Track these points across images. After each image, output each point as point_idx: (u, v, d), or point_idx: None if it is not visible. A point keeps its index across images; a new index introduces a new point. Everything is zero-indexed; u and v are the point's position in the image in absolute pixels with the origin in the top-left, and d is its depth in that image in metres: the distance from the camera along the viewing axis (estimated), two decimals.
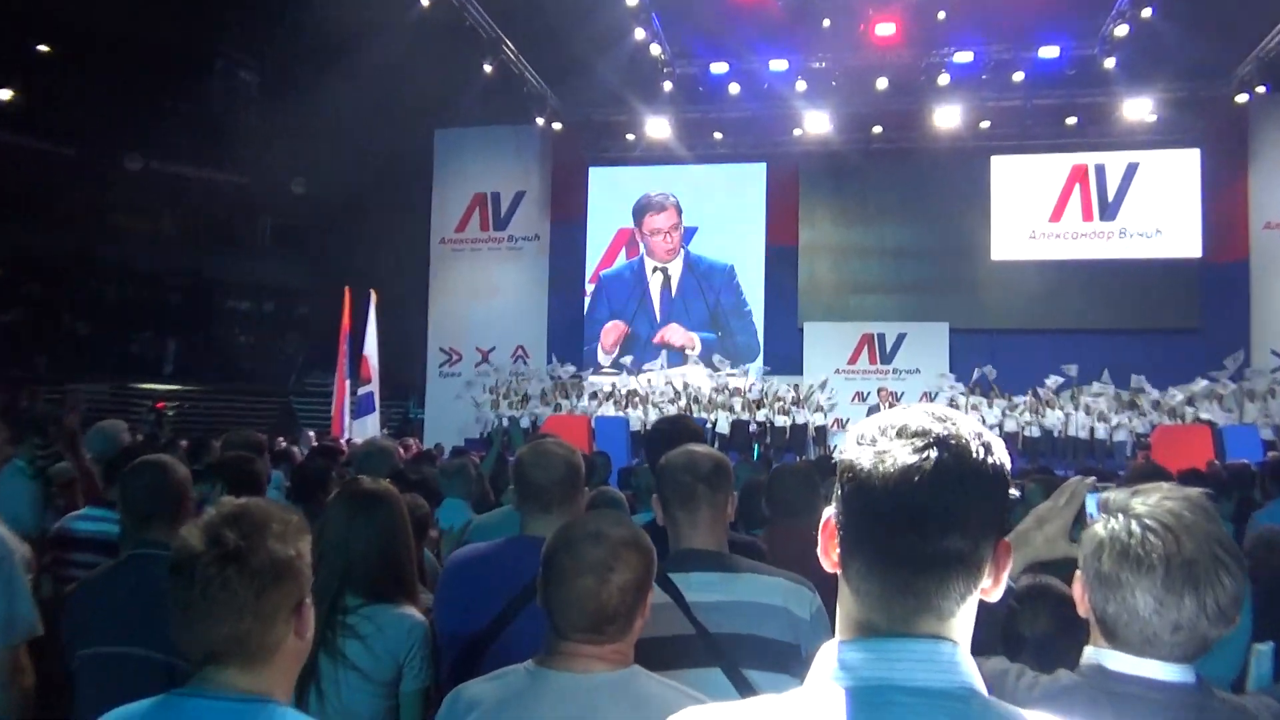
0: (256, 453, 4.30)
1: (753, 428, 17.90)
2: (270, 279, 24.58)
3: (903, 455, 0.98)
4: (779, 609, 2.10)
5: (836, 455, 1.07)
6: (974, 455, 0.98)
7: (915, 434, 0.99)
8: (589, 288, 21.73)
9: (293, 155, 19.55)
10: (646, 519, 2.65)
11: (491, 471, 5.80)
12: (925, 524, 0.96)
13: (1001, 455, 1.01)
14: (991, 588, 1.00)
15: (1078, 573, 1.46)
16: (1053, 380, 17.33)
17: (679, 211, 21.44)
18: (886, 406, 14.95)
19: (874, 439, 1.01)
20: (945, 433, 0.99)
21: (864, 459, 1.00)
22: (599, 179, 21.83)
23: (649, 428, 2.98)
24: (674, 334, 20.47)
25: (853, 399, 19.40)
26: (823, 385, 18.55)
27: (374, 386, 15.90)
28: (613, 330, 21.27)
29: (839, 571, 1.03)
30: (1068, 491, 1.74)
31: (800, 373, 19.44)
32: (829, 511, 1.04)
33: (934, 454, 0.98)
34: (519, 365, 20.47)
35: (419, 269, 21.16)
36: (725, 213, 21.16)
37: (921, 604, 0.97)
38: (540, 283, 21.44)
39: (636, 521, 1.90)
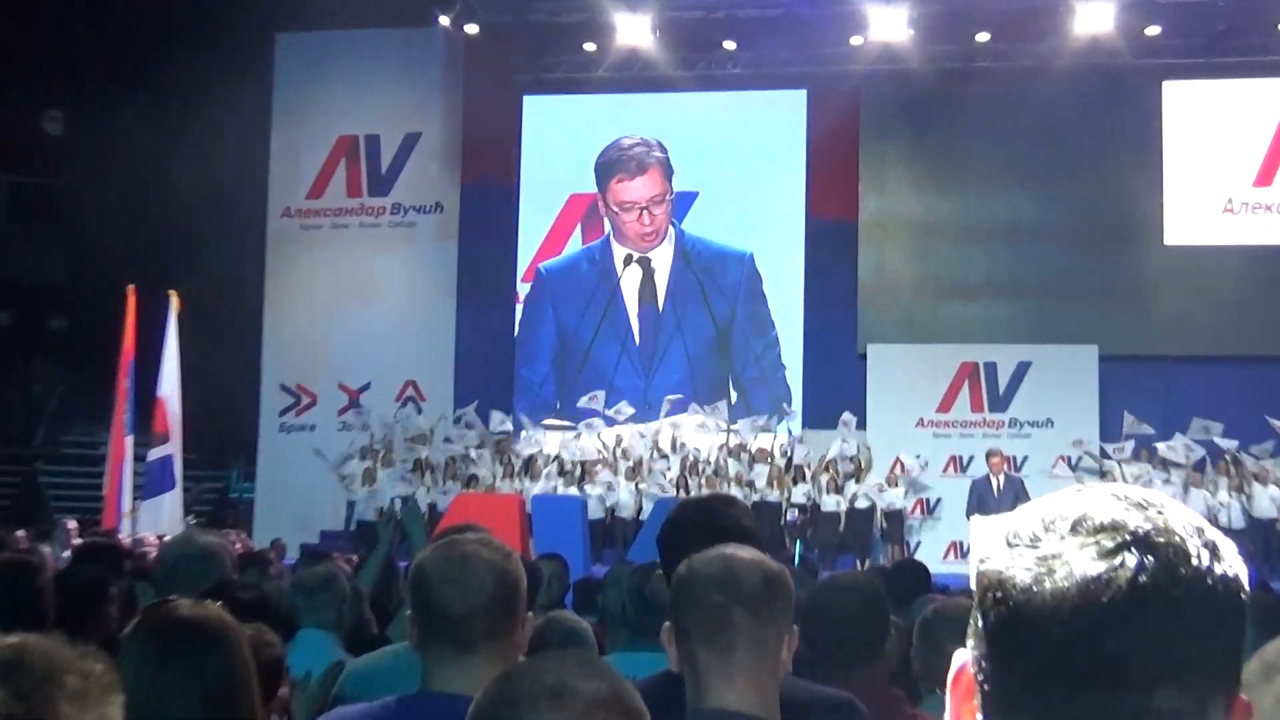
0: None
1: (789, 516, 18.15)
2: (4, 272, 24.59)
3: (1083, 564, 1.03)
4: None
5: (977, 566, 1.10)
6: (1194, 563, 1.03)
7: (1101, 529, 1.04)
8: (522, 289, 21.83)
9: (41, 75, 19.68)
10: (635, 662, 2.81)
11: (374, 587, 5.94)
12: (1122, 672, 1.00)
13: (1234, 562, 1.05)
14: None
15: None
16: (1260, 450, 17.74)
17: (667, 170, 21.59)
18: (1000, 480, 15.34)
19: (1034, 538, 1.06)
20: (1148, 527, 1.04)
21: (1020, 571, 1.05)
22: (540, 116, 22.04)
23: (669, 516, 3.01)
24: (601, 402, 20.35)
25: (946, 468, 19.59)
26: (900, 450, 18.90)
27: (173, 447, 15.82)
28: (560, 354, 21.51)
29: None
30: None
31: (861, 426, 19.62)
32: (963, 656, 1.10)
33: (1132, 561, 1.02)
34: (410, 413, 20.64)
35: (247, 258, 21.50)
36: (742, 170, 21.32)
37: None
38: (444, 280, 21.64)
39: (618, 667, 1.90)
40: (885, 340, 20.57)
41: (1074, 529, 1.05)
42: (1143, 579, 1.01)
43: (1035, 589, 1.03)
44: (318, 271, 21.75)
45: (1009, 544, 1.07)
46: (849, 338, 20.82)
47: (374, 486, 19.12)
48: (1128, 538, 1.03)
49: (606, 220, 21.72)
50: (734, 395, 20.54)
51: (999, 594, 1.06)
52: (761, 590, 2.37)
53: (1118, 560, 1.02)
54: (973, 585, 1.09)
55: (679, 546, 2.75)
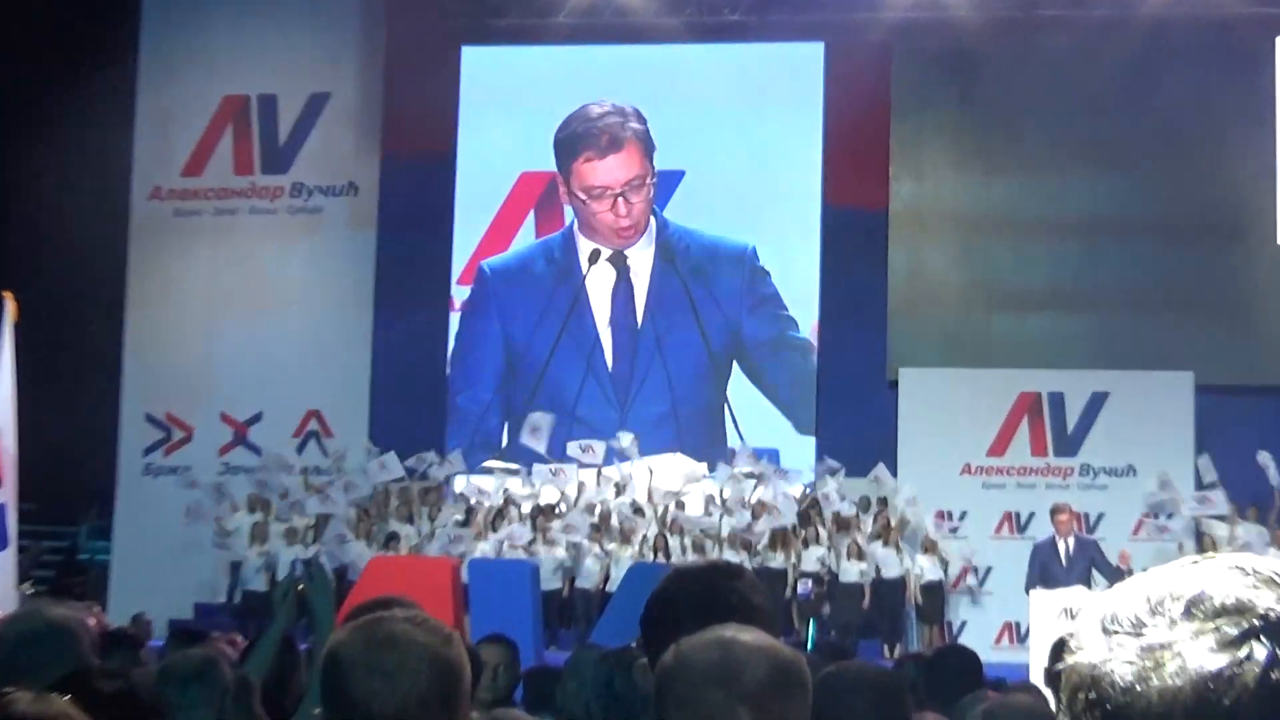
0: None
1: (800, 588, 18.26)
2: None
3: (1200, 656, 1.05)
4: None
5: (1066, 658, 1.13)
6: None
7: (1221, 613, 1.07)
8: (459, 294, 21.93)
9: None
10: None
11: (266, 677, 5.86)
12: None
13: None
14: None
15: None
16: None
17: (648, 146, 21.66)
18: (1069, 544, 15.35)
19: (1138, 623, 1.09)
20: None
21: (1120, 665, 1.08)
22: (483, 72, 22.25)
23: (659, 591, 2.99)
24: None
25: (999, 527, 19.62)
26: (941, 504, 19.00)
27: (6, 495, 15.38)
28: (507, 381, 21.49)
29: None
30: None
31: (892, 471, 19.75)
32: None
33: (1261, 653, 1.04)
34: (313, 452, 20.84)
35: (104, 253, 21.44)
36: (741, 146, 21.42)
37: None
38: (358, 282, 21.80)
39: None
40: (922, 363, 20.64)
41: (1188, 612, 1.08)
42: (1275, 675, 1.03)
43: (1140, 688, 1.06)
44: (196, 270, 21.74)
45: (1105, 630, 1.10)
46: (875, 360, 20.92)
47: (266, 546, 19.03)
48: (1256, 623, 1.06)
49: (569, 207, 21.78)
50: (738, 432, 20.72)
51: (1093, 694, 1.09)
52: (770, 684, 2.38)
53: (1243, 652, 1.05)
54: (1034, 677, 1.03)
55: (669, 628, 2.78)
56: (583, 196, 21.64)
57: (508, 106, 22.01)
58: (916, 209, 21.27)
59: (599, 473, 19.99)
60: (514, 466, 20.30)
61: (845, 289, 21.23)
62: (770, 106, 21.58)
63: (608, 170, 21.65)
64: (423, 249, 21.79)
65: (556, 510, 19.26)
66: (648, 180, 21.63)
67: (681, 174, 21.69)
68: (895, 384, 20.63)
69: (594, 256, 21.58)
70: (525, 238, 21.99)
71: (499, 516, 19.21)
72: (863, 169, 21.26)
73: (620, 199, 21.54)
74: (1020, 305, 20.89)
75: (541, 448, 20.03)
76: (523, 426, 20.42)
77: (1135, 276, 20.49)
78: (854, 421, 20.60)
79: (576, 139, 21.68)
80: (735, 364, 21.48)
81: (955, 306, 21.10)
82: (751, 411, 21.23)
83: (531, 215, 21.96)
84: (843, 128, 21.38)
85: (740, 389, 21.40)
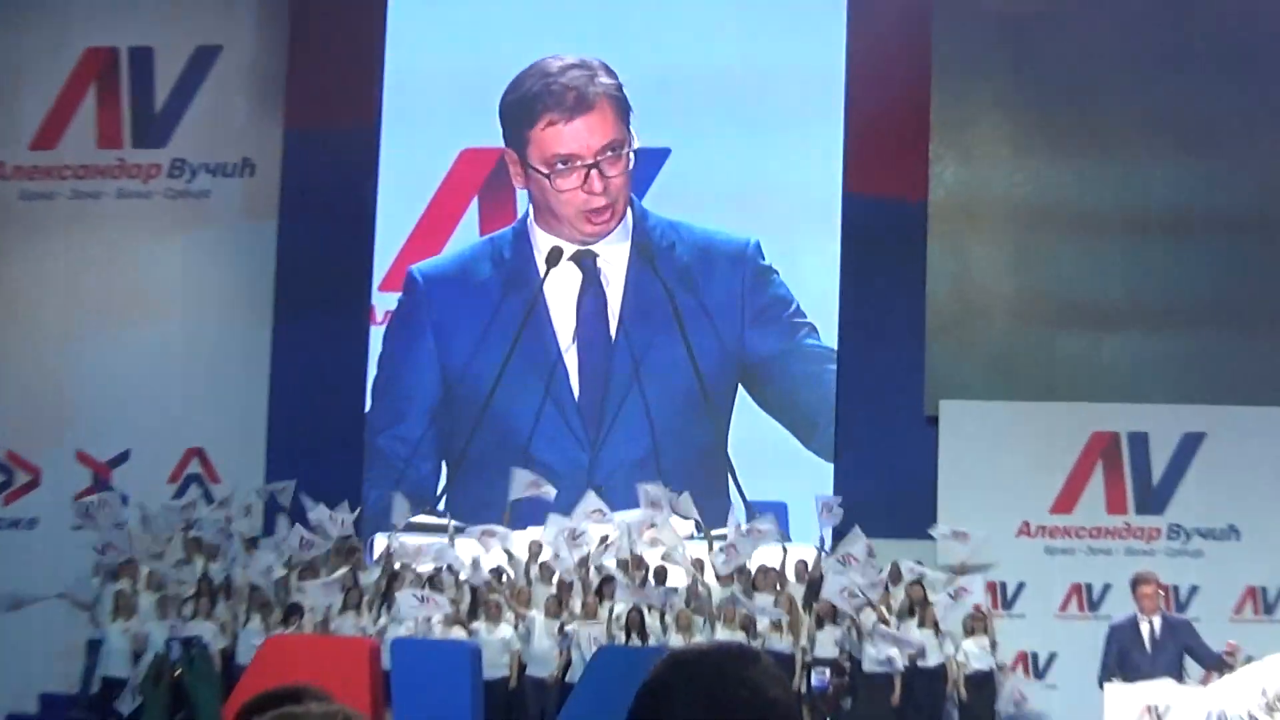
0: None
1: (814, 679, 18.14)
2: None
3: None
4: None
5: None
6: None
7: None
8: (383, 303, 21.87)
9: None
10: None
11: None
12: None
13: None
14: None
15: None
16: None
17: (623, 107, 21.69)
18: (1155, 624, 15.12)
19: None
20: None
21: None
22: (415, 21, 22.23)
23: (652, 678, 2.95)
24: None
25: (1065, 603, 19.65)
26: (992, 572, 19.00)
27: None
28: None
29: None
30: None
31: (928, 518, 19.65)
32: None
33: None
34: (196, 500, 20.76)
35: None
36: (742, 116, 21.45)
37: None
38: (254, 286, 21.80)
39: None
40: (968, 394, 20.70)
41: None
42: None
43: None
44: (47, 269, 21.75)
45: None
46: (909, 390, 20.90)
47: (132, 622, 18.74)
48: None
49: (523, 192, 21.72)
50: (734, 479, 20.81)
51: None
52: None
53: None
54: None
55: None
56: (544, 170, 21.52)
57: (445, 65, 21.95)
58: (963, 199, 21.21)
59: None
60: (450, 522, 20.08)
61: (872, 299, 21.16)
62: (778, 69, 21.52)
63: (575, 135, 21.57)
64: (337, 245, 21.73)
65: (505, 579, 19.05)
66: (626, 149, 21.55)
67: (666, 152, 21.71)
68: (934, 420, 20.58)
69: (554, 256, 21.47)
70: (467, 233, 21.92)
71: (430, 585, 18.72)
72: (895, 149, 21.26)
73: (594, 171, 21.40)
74: (1092, 321, 20.74)
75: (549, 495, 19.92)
76: (512, 481, 20.13)
77: (1237, 286, 20.40)
78: (881, 468, 20.51)
79: (533, 100, 21.63)
80: (739, 389, 21.33)
81: (1011, 322, 20.98)
82: (753, 452, 21.13)
83: (475, 204, 21.93)
84: (869, 98, 21.31)
85: (741, 423, 21.28)
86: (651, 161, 21.62)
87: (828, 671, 18.12)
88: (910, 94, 21.13)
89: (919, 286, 20.97)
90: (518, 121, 21.62)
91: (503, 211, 21.85)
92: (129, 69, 21.82)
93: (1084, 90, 20.96)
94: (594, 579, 19.20)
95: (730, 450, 21.20)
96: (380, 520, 20.45)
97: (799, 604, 18.71)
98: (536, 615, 18.54)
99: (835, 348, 21.30)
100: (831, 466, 21.01)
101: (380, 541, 20.20)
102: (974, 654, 18.26)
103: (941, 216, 21.13)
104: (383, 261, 21.91)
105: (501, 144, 21.77)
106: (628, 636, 17.66)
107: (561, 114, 21.54)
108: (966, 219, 21.21)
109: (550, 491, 19.84)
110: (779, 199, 21.44)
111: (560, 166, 21.55)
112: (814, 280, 21.41)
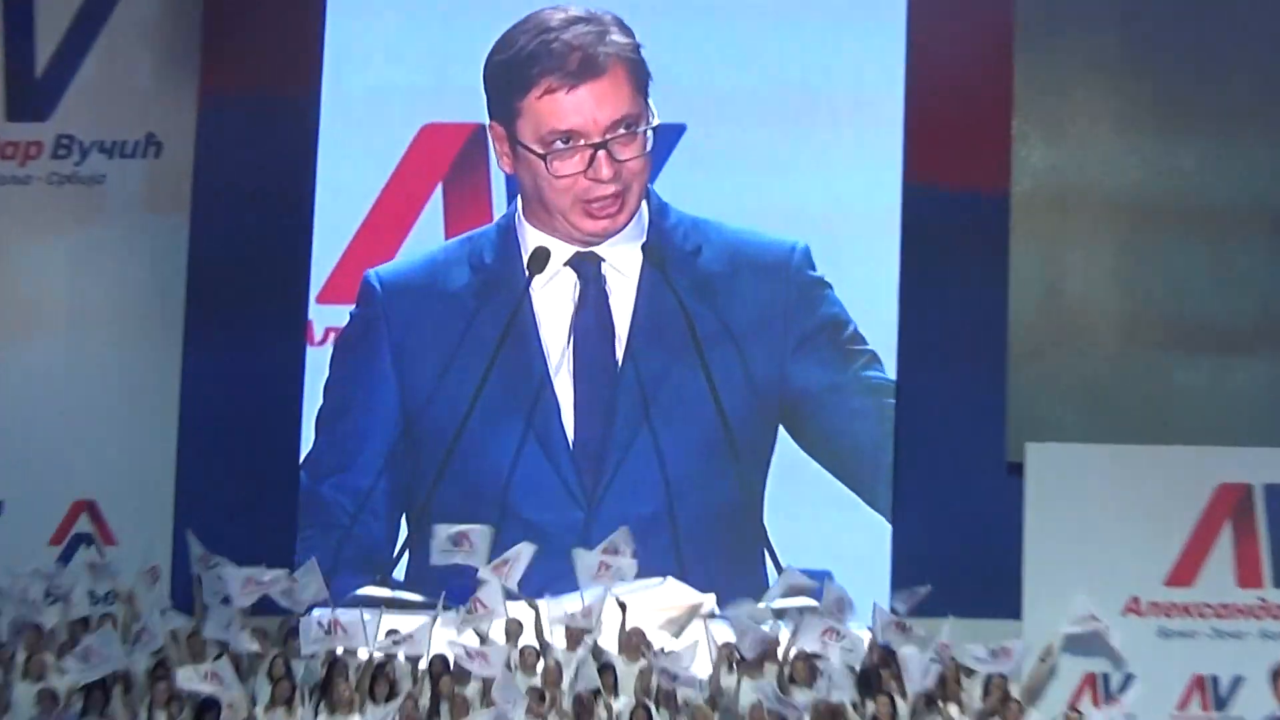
0: None
1: None
2: None
3: None
4: None
5: None
6: None
7: None
8: (324, 318, 20.27)
9: None
10: None
11: None
12: None
13: None
14: None
15: None
16: None
17: (640, 73, 20.37)
18: None
19: None
20: None
21: None
22: None
23: None
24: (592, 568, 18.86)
25: (1186, 700, 18.04)
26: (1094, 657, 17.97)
27: None
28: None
29: None
30: None
31: (1013, 607, 18.39)
32: None
33: None
34: (85, 565, 19.45)
35: None
36: (777, 88, 20.31)
37: None
38: (161, 295, 20.53)
39: None
40: (1061, 435, 19.07)
41: None
42: None
43: None
44: None
45: None
46: (988, 429, 19.37)
47: None
48: None
49: (511, 175, 20.19)
50: (768, 546, 19.26)
51: None
52: None
53: None
54: None
55: None
56: (538, 150, 19.86)
57: (403, 19, 20.61)
58: (1054, 191, 19.62)
59: (538, 611, 18.33)
60: (412, 596, 18.76)
61: (938, 315, 19.60)
62: (824, 30, 20.10)
63: (579, 107, 19.91)
64: (264, 245, 20.18)
65: (481, 667, 17.29)
66: (644, 126, 19.97)
67: (682, 129, 20.12)
68: (1019, 467, 18.90)
69: (539, 258, 19.77)
70: (428, 231, 20.24)
71: (384, 678, 17.30)
72: (968, 130, 19.72)
73: (602, 153, 19.77)
74: (1218, 344, 19.24)
75: (512, 583, 18.39)
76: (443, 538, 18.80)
77: None
78: (951, 528, 19.16)
79: (529, 61, 20.01)
80: (778, 431, 19.81)
81: (1113, 345, 19.40)
82: (792, 506, 19.48)
83: (439, 193, 20.23)
84: (937, 65, 19.87)
85: (778, 471, 19.63)
86: (671, 136, 20.26)
87: None
88: (987, 62, 19.85)
89: (1000, 301, 19.51)
90: (507, 88, 20.16)
91: (475, 203, 20.30)
92: (1, 22, 20.68)
93: (1208, 50, 19.77)
94: (591, 671, 17.31)
95: (766, 506, 19.68)
96: (316, 591, 18.57)
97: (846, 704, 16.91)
98: (518, 715, 16.88)
99: (894, 379, 19.77)
100: (889, 526, 19.54)
101: (319, 621, 18.08)
102: None
103: (1026, 212, 19.61)
104: (322, 266, 20.27)
105: (472, 118, 20.30)
106: None
107: (563, 80, 19.99)
108: (1058, 216, 19.67)
109: (478, 560, 18.64)
110: (820, 190, 19.96)
111: (559, 146, 19.96)
112: (865, 294, 19.89)
